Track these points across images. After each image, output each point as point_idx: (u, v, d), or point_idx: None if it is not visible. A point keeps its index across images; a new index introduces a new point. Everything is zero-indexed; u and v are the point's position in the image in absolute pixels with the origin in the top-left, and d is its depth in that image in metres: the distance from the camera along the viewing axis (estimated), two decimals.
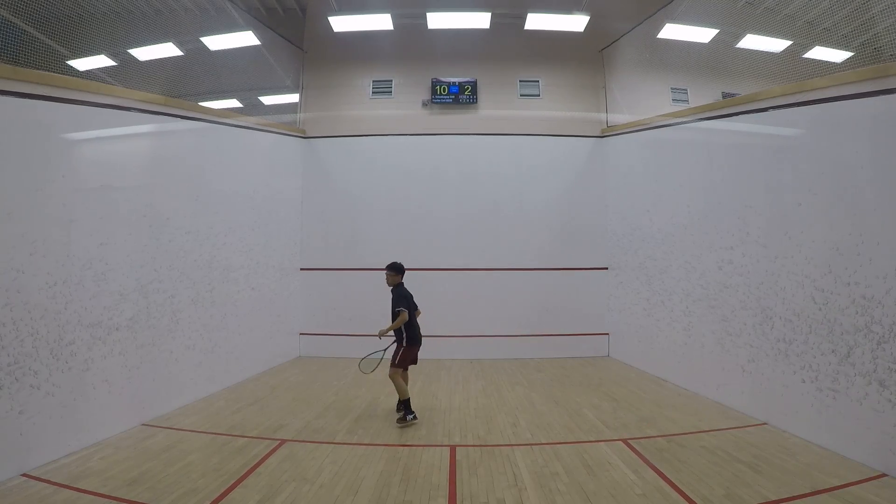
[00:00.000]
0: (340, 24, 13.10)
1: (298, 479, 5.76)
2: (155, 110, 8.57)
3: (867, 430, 6.15)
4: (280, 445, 6.85)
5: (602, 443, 6.99)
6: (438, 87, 13.61)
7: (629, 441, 7.02)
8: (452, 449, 6.77)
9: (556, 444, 6.96)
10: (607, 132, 13.60)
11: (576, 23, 12.57)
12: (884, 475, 5.80)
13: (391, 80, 13.90)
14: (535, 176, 13.50)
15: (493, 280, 13.13)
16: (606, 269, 13.27)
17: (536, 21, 12.71)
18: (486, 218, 13.30)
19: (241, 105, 13.49)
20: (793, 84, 7.95)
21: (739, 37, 11.92)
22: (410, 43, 13.68)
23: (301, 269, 13.26)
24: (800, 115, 7.69)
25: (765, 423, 7.61)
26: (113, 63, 10.87)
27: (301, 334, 13.19)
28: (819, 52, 10.39)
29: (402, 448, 6.79)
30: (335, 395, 9.45)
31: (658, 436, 7.26)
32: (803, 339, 7.23)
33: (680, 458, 6.35)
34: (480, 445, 6.91)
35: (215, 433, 7.34)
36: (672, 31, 12.38)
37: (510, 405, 8.88)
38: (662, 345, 10.85)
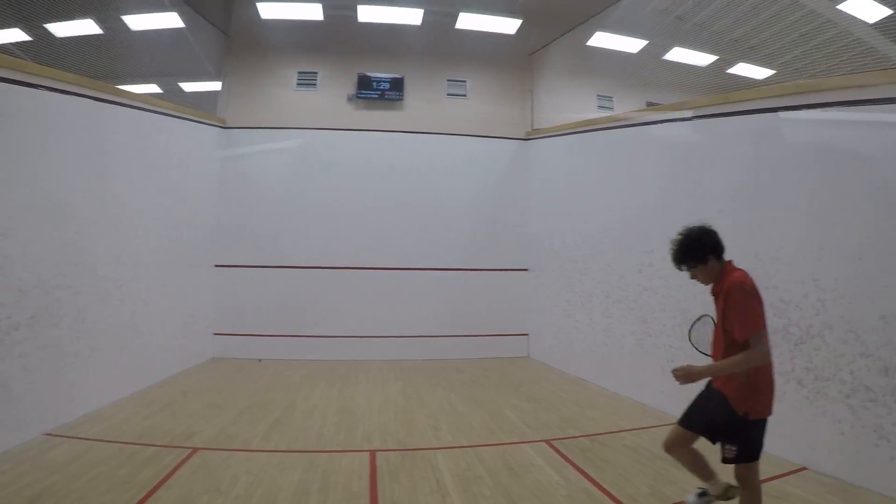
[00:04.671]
0: (269, 10, 12.80)
1: (212, 490, 5.39)
2: (65, 90, 7.87)
3: (787, 427, 6.28)
4: (192, 454, 6.41)
5: (525, 444, 7.00)
6: (365, 81, 13.40)
7: (552, 442, 7.06)
8: (372, 454, 6.59)
9: (479, 446, 6.92)
10: (532, 135, 13.74)
11: (508, 25, 12.64)
12: (804, 469, 6.08)
13: (317, 73, 13.59)
14: (459, 176, 13.50)
15: (414, 279, 13.06)
16: (527, 270, 13.38)
17: (468, 21, 12.72)
18: (409, 217, 13.20)
19: (159, 90, 12.72)
20: (719, 95, 8.23)
21: (667, 49, 12.22)
22: (339, 35, 13.40)
23: (216, 266, 12.67)
24: (724, 125, 7.97)
25: None
26: (27, 38, 10.04)
27: (215, 334, 12.58)
28: (743, 68, 10.82)
29: (320, 454, 6.56)
30: (250, 399, 9.01)
31: (581, 436, 7.33)
32: None
33: (603, 458, 6.43)
34: (401, 450, 6.77)
35: (124, 442, 6.77)
36: (602, 40, 12.65)
37: (431, 407, 8.79)
38: (582, 345, 11.02)
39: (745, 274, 3.91)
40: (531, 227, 13.27)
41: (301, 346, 12.40)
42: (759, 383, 3.87)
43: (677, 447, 4.33)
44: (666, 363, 8.27)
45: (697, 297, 7.82)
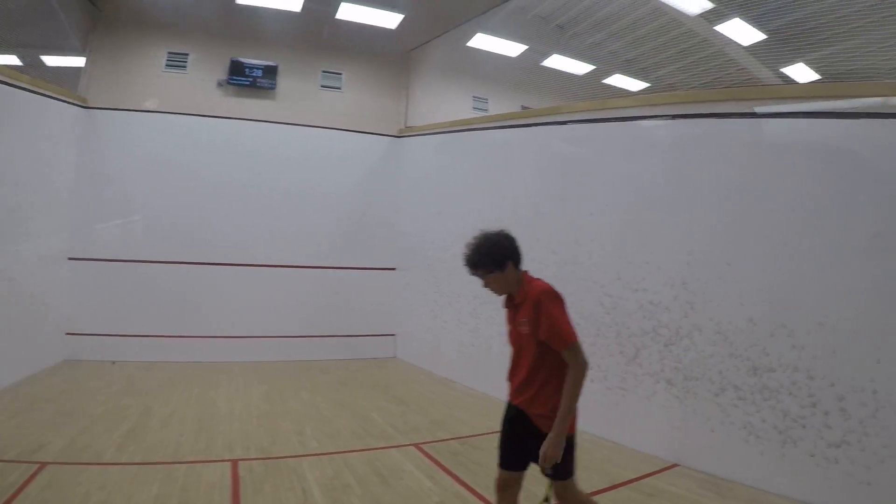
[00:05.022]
0: None
1: None
2: None
3: (658, 425, 6.58)
4: (40, 469, 5.57)
5: (394, 449, 6.73)
6: (237, 67, 12.60)
7: (421, 445, 6.84)
8: (234, 464, 6.03)
9: (346, 452, 6.56)
10: (405, 132, 13.53)
11: (389, 19, 12.31)
12: (676, 465, 6.21)
13: (188, 54, 12.55)
14: (329, 171, 13.01)
15: (279, 277, 12.42)
16: (395, 269, 13.12)
17: (349, 12, 12.08)
18: (276, 213, 12.55)
19: (19, 62, 11.26)
20: (595, 101, 8.37)
21: (546, 55, 12.40)
22: (213, 16, 12.40)
23: (70, 259, 11.30)
24: (598, 131, 8.13)
25: None
26: None
27: (68, 334, 11.21)
28: (619, 80, 11.19)
29: (178, 466, 5.89)
30: (103, 406, 8.04)
31: (451, 438, 7.19)
32: (591, 340, 7.42)
33: (475, 461, 6.29)
34: (265, 458, 6.26)
35: None
36: (483, 42, 12.61)
37: (295, 412, 8.30)
38: (450, 346, 10.92)
39: (548, 283, 3.66)
40: (400, 226, 13.03)
41: (160, 347, 11.44)
42: (552, 389, 3.51)
43: (502, 491, 3.95)
44: None
45: (567, 300, 7.91)
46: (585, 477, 5.66)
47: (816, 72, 7.46)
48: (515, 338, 3.70)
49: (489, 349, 9.54)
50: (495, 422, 7.49)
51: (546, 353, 3.45)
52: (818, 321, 5.41)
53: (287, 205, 12.54)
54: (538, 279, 3.70)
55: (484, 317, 9.75)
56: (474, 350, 10.07)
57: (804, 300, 5.59)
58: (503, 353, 8.86)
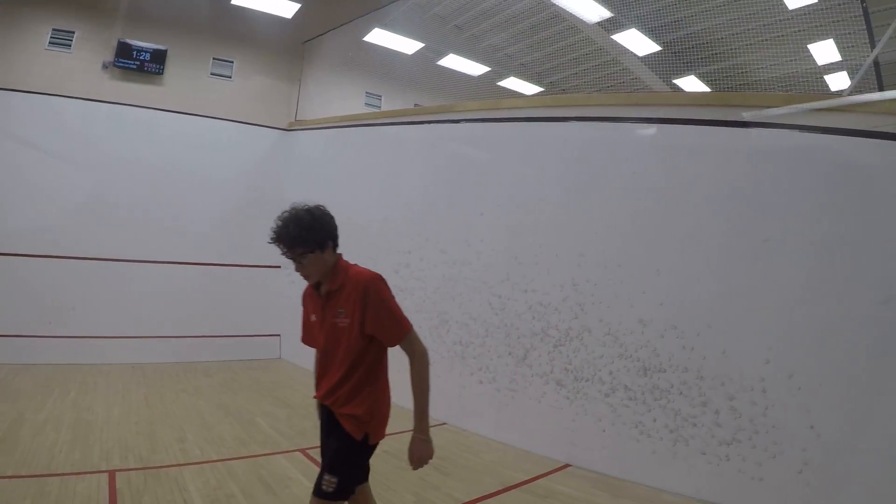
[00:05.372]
0: None
1: None
2: None
3: (548, 426, 6.52)
4: None
5: (279, 455, 6.31)
6: (125, 49, 11.68)
7: (308, 451, 6.45)
8: (112, 475, 5.44)
9: (230, 459, 6.07)
10: (295, 126, 13.05)
11: (286, 8, 11.82)
12: (568, 465, 6.14)
13: (73, 33, 11.43)
14: (215, 165, 12.32)
15: (160, 273, 11.56)
16: (279, 267, 12.51)
17: None
18: (158, 206, 11.68)
19: None
20: (489, 101, 8.28)
21: (442, 55, 12.27)
22: None
23: None
24: (492, 132, 8.05)
25: (444, 424, 7.62)
26: None
27: None
28: (513, 82, 11.21)
29: (51, 479, 5.23)
30: None
31: None
32: (480, 342, 7.47)
33: None
34: (144, 468, 5.68)
35: None
36: (379, 37, 12.39)
37: (176, 417, 7.65)
38: None
39: (370, 269, 3.20)
40: None
41: (33, 348, 10.37)
42: (387, 397, 3.25)
43: None
44: None
45: (455, 299, 7.90)
46: (476, 479, 5.60)
47: (707, 84, 7.75)
48: (329, 332, 3.15)
49: None
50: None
51: (368, 349, 3.07)
52: (707, 323, 5.51)
53: (171, 199, 11.73)
54: (356, 265, 3.25)
55: None
56: None
57: (694, 302, 5.66)
58: (390, 354, 8.70)
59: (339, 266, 3.18)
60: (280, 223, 3.12)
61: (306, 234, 3.05)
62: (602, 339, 6.26)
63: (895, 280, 4.62)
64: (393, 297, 3.08)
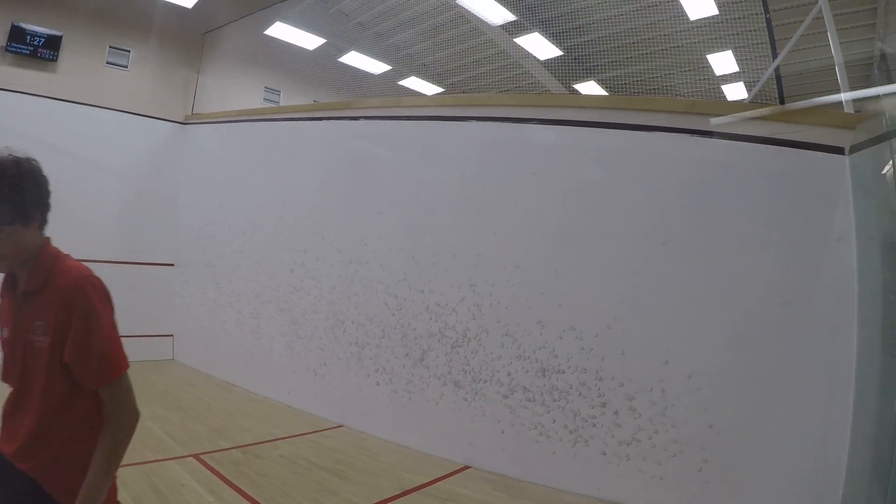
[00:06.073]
0: None
1: None
2: None
3: (446, 428, 6.30)
4: None
5: (172, 461, 5.78)
6: (18, 33, 10.60)
7: (201, 456, 5.97)
8: None
9: (120, 466, 5.54)
10: (191, 119, 12.30)
11: None
12: (467, 467, 5.93)
13: None
14: (108, 158, 11.30)
15: None
16: (173, 265, 11.85)
17: None
18: (52, 201, 10.68)
19: None
20: (389, 99, 8.02)
21: (344, 52, 11.86)
22: None
23: None
24: (391, 130, 7.80)
25: (341, 426, 7.29)
26: None
27: None
28: (414, 82, 10.95)
29: None
30: None
31: (232, 447, 6.34)
32: (376, 342, 7.18)
33: (259, 471, 5.59)
34: None
35: None
36: (281, 31, 11.86)
37: None
38: (230, 347, 9.93)
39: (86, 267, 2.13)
40: (181, 219, 11.77)
41: None
42: (91, 448, 1.93)
43: None
44: (318, 366, 7.88)
45: (351, 299, 7.61)
46: (375, 483, 5.30)
47: (606, 90, 7.75)
48: (20, 353, 1.95)
49: (271, 350, 8.82)
50: (279, 428, 6.82)
51: (78, 390, 1.95)
52: (607, 324, 5.42)
53: (60, 193, 10.56)
54: (68, 256, 2.18)
55: (266, 317, 9.00)
56: (255, 352, 9.22)
57: (592, 304, 5.57)
58: (286, 356, 8.30)
59: (45, 254, 2.08)
60: None
61: (6, 193, 1.92)
62: (500, 341, 6.08)
63: (794, 283, 4.67)
64: (111, 315, 2.06)
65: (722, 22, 7.97)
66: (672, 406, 4.92)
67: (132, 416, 2.00)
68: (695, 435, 4.81)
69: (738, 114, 5.25)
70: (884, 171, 4.37)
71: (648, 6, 8.25)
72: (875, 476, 3.91)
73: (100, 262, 10.85)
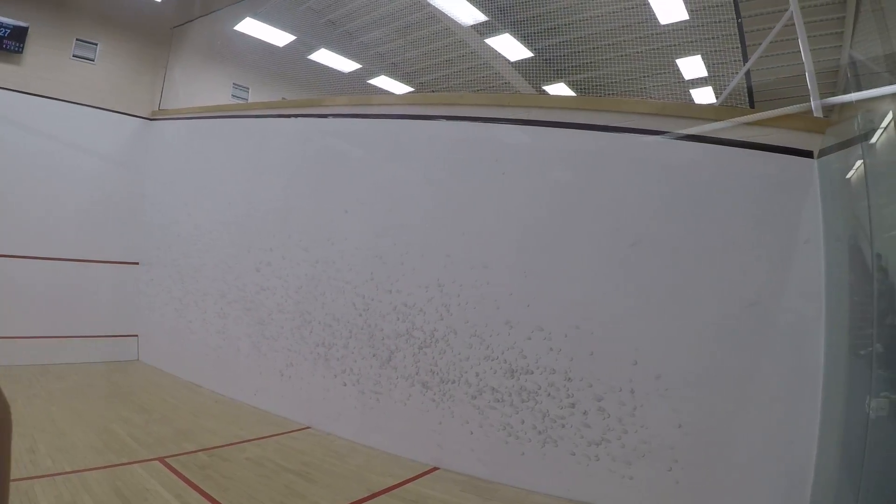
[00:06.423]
0: None
1: None
2: None
3: (414, 429, 6.22)
4: None
5: (136, 464, 5.61)
6: None
7: (166, 459, 5.79)
8: None
9: (84, 471, 5.33)
10: (158, 115, 12.02)
11: None
12: (436, 469, 5.85)
13: None
14: (73, 153, 11.04)
15: (8, 268, 10.29)
16: (138, 264, 11.56)
17: None
18: (9, 196, 10.33)
19: None
20: (358, 97, 7.91)
21: (314, 49, 11.67)
22: None
23: None
24: (360, 128, 7.69)
25: (308, 428, 7.16)
26: None
27: None
28: (384, 81, 10.83)
29: None
30: None
31: (198, 450, 6.18)
32: (344, 343, 7.08)
33: (225, 474, 5.44)
34: None
35: None
36: (250, 27, 11.63)
37: (26, 424, 6.68)
38: (196, 348, 9.72)
39: None
40: (146, 217, 11.51)
41: None
42: None
43: None
44: (285, 367, 7.75)
45: (318, 299, 7.53)
46: (343, 486, 5.18)
47: (576, 92, 7.75)
48: None
49: (237, 351, 8.64)
50: (246, 430, 6.63)
51: None
52: (575, 324, 5.38)
53: (23, 189, 10.45)
54: None
55: (232, 317, 8.83)
56: (222, 352, 9.03)
57: (561, 304, 5.53)
58: (252, 357, 8.13)
59: None
60: None
61: None
62: (468, 341, 6.02)
63: (763, 284, 4.68)
64: None
65: (692, 27, 8.02)
66: (641, 406, 4.90)
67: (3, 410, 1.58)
68: (664, 435, 4.79)
69: (709, 116, 5.23)
70: (848, 176, 4.38)
71: (620, 10, 8.28)
72: (845, 474, 3.91)
73: (62, 259, 10.64)
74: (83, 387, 8.93)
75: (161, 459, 5.75)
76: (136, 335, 11.23)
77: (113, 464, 5.55)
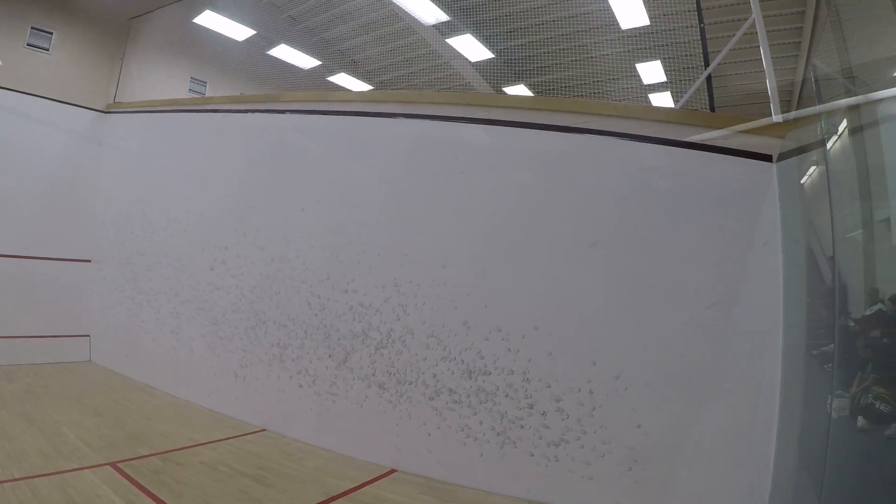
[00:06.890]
0: None
1: None
2: None
3: (372, 431, 6.07)
4: None
5: (87, 470, 5.33)
6: None
7: (118, 464, 5.53)
8: None
9: (33, 477, 5.05)
10: (113, 108, 11.56)
11: None
12: (394, 471, 5.72)
13: None
14: (22, 145, 10.50)
15: None
16: (90, 261, 11.14)
17: None
18: None
19: None
20: (316, 92, 7.75)
21: (274, 44, 11.43)
22: None
23: None
24: (318, 124, 7.52)
25: (264, 430, 6.94)
26: None
27: None
28: (344, 79, 10.67)
29: None
30: None
31: (151, 454, 5.92)
32: (299, 343, 6.91)
33: (179, 479, 5.22)
34: None
35: None
36: (210, 20, 11.28)
37: None
38: (149, 348, 9.37)
39: None
40: (99, 213, 11.03)
41: None
42: None
43: None
44: (239, 368, 7.51)
45: (273, 299, 7.33)
46: (300, 490, 5.04)
47: (535, 94, 7.74)
48: None
49: (191, 351, 8.35)
50: (200, 433, 6.40)
51: None
52: (534, 325, 5.31)
53: None
54: None
55: (185, 317, 8.53)
56: (175, 353, 8.72)
57: (519, 305, 5.46)
58: (206, 357, 7.88)
59: None
60: None
61: None
62: (425, 342, 5.91)
63: (722, 286, 4.67)
64: None
65: (653, 33, 8.07)
66: (600, 407, 4.86)
67: None
68: (623, 435, 4.76)
69: (671, 119, 5.23)
70: (806, 179, 4.40)
71: (581, 14, 8.30)
72: (805, 472, 3.92)
73: (10, 256, 10.18)
74: (33, 388, 8.50)
75: (113, 464, 5.50)
76: (88, 335, 10.80)
77: (63, 469, 5.30)
